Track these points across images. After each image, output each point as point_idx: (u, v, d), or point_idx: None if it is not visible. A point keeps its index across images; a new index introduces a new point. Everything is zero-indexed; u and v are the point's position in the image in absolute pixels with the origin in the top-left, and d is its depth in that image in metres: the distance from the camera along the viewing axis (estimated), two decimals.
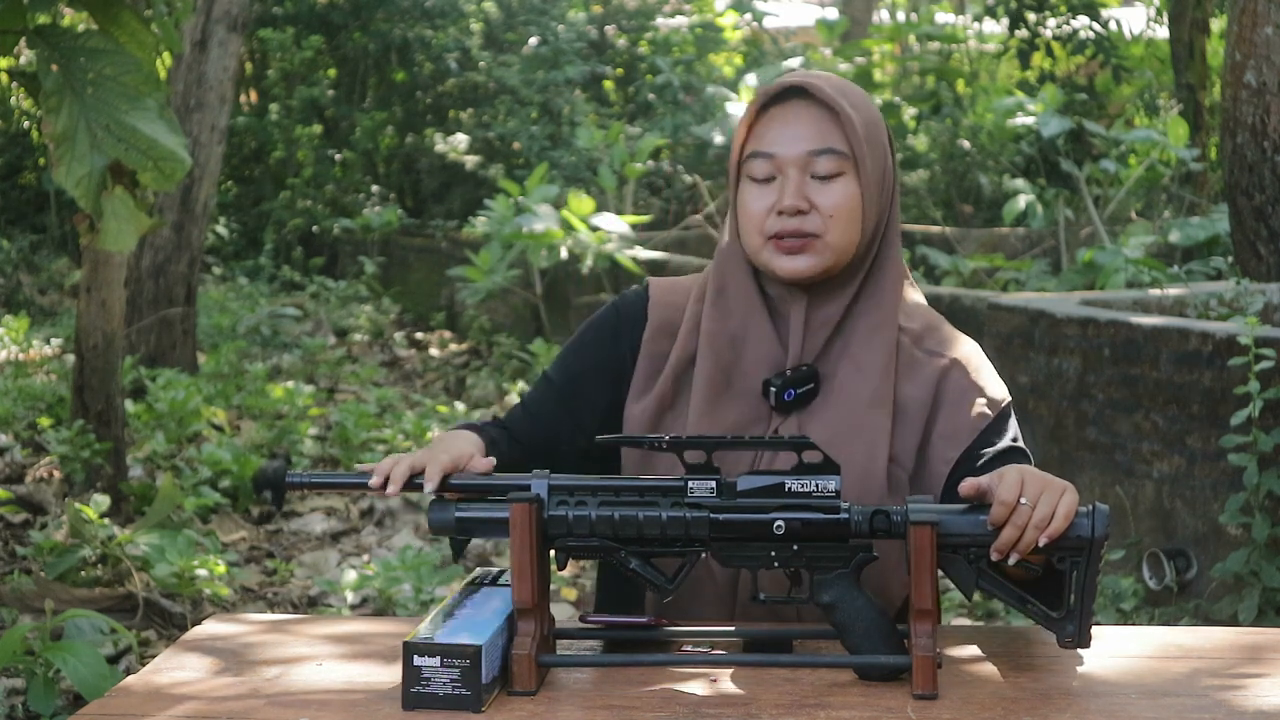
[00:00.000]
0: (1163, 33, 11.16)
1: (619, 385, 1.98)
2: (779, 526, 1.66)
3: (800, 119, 1.89)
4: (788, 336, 1.92)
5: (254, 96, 13.91)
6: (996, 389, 1.95)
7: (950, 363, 1.94)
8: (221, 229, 12.72)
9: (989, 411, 1.91)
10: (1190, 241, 7.67)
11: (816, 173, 1.88)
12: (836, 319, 1.92)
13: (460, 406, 7.53)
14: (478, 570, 1.85)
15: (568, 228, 8.53)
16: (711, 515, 1.66)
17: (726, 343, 1.92)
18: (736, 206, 1.93)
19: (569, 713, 1.58)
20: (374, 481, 1.72)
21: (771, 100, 1.91)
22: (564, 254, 8.54)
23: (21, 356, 8.34)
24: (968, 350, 1.98)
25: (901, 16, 15.28)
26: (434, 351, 9.87)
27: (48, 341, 8.96)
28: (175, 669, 1.74)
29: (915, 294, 2.01)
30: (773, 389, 1.88)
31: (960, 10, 13.45)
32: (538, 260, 8.64)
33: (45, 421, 6.33)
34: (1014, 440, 1.92)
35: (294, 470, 1.75)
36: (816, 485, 1.66)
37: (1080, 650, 1.68)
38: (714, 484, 1.67)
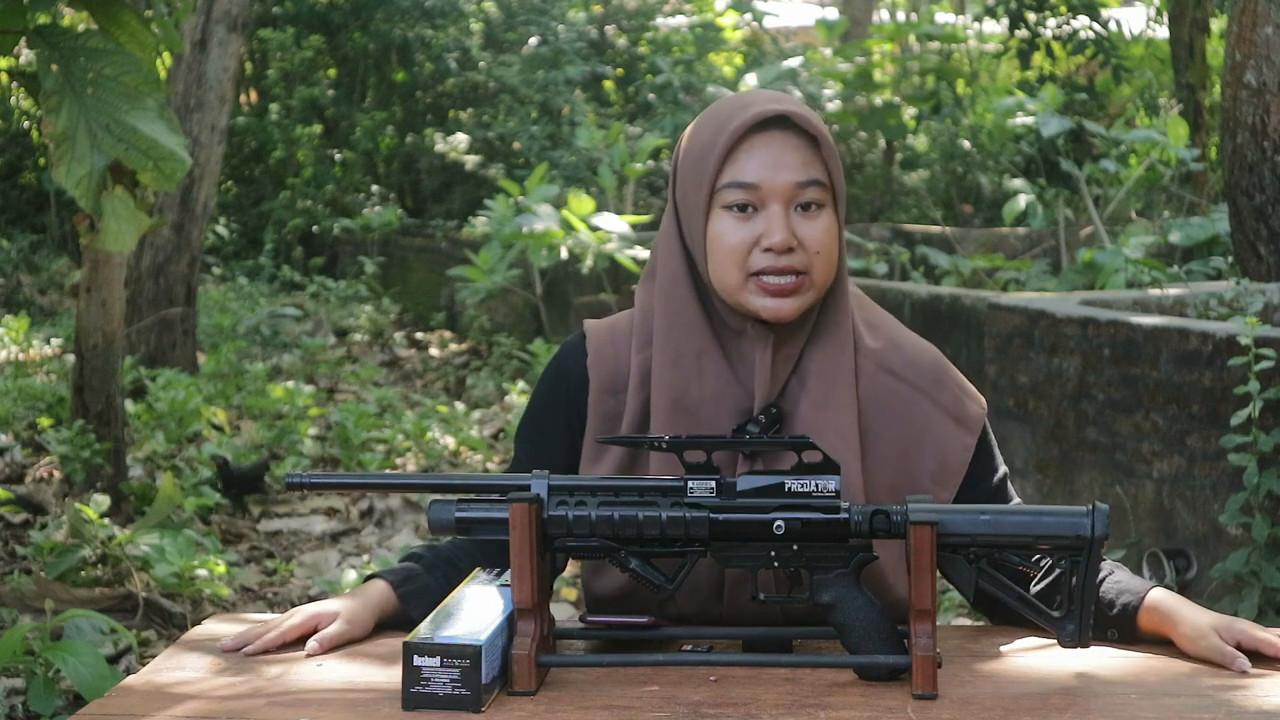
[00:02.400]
0: (1163, 33, 11.15)
1: (580, 430, 1.93)
2: (779, 526, 1.65)
3: (785, 148, 1.81)
4: (747, 376, 1.85)
5: (254, 96, 13.92)
6: (971, 406, 1.92)
7: (918, 392, 1.89)
8: (221, 229, 12.73)
9: (971, 441, 1.90)
10: (1190, 241, 7.66)
11: (801, 203, 1.81)
12: (797, 355, 1.86)
13: (460, 406, 7.53)
14: (478, 570, 1.85)
15: (568, 228, 8.53)
16: (711, 515, 1.66)
17: (682, 391, 1.85)
18: (706, 239, 1.83)
19: (569, 713, 1.58)
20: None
21: (751, 128, 1.82)
22: (564, 254, 8.55)
23: (21, 356, 8.34)
24: (934, 370, 1.92)
25: (901, 16, 15.29)
26: (434, 351, 9.88)
27: (48, 341, 8.96)
28: (175, 669, 1.74)
29: (863, 308, 1.95)
30: (749, 435, 1.80)
31: (960, 10, 13.46)
32: (538, 260, 8.64)
33: (45, 421, 6.33)
34: (999, 464, 1.95)
35: (295, 471, 1.75)
36: (816, 485, 1.66)
37: (1080, 650, 1.68)
38: (714, 484, 1.67)
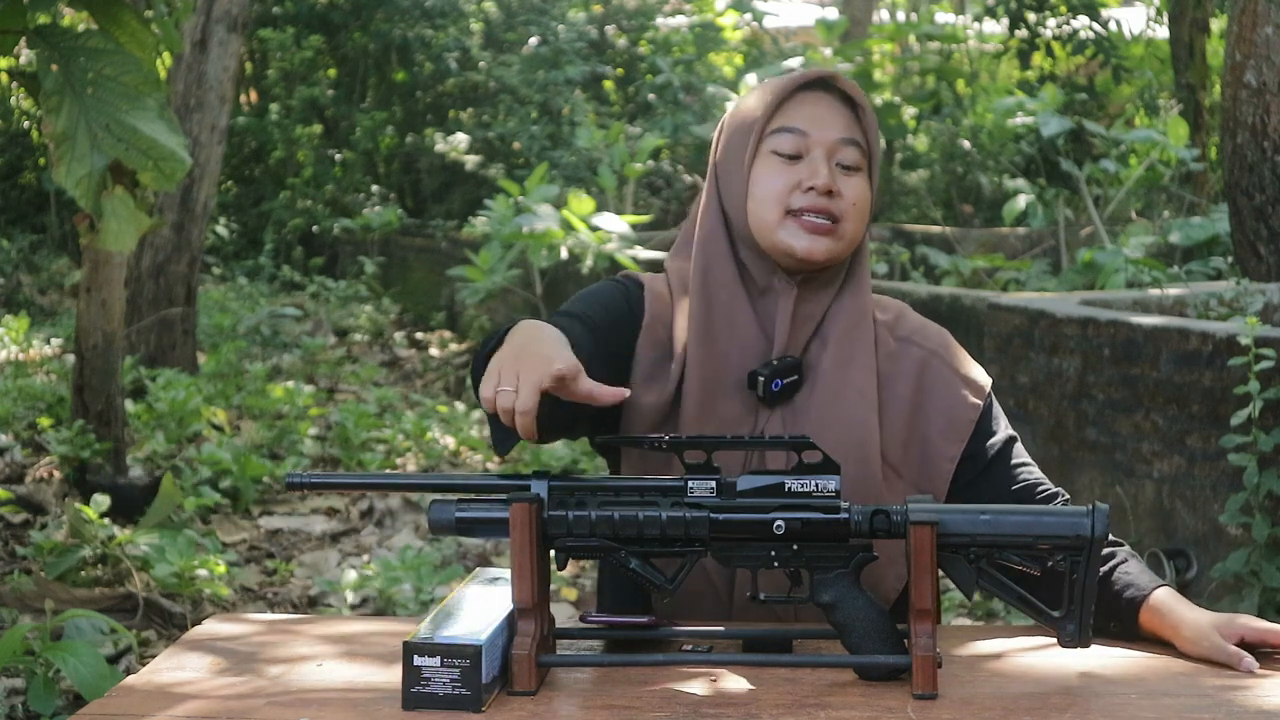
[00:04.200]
0: (1163, 33, 11.16)
1: (623, 349, 1.93)
2: (779, 526, 1.65)
3: (831, 107, 1.93)
4: (772, 327, 1.93)
5: (254, 96, 13.92)
6: (978, 374, 1.99)
7: (928, 353, 1.97)
8: (221, 229, 12.73)
9: (978, 401, 1.95)
10: (1190, 241, 7.66)
11: (841, 162, 1.91)
12: (820, 315, 1.94)
13: (460, 406, 7.53)
14: (478, 570, 1.85)
15: (568, 228, 8.53)
16: (711, 515, 1.66)
17: (714, 335, 1.93)
18: (748, 184, 1.91)
19: (569, 713, 1.58)
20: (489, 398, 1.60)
21: (798, 87, 1.94)
22: (564, 254, 8.55)
23: (21, 356, 8.34)
24: (941, 337, 2.01)
25: (901, 16, 15.29)
26: (434, 351, 9.88)
27: (48, 341, 8.96)
28: (175, 669, 1.74)
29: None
30: (760, 379, 1.89)
31: (960, 10, 13.46)
32: (538, 260, 8.64)
33: (45, 421, 6.33)
34: (1006, 427, 1.98)
35: (295, 471, 1.75)
36: (816, 485, 1.66)
37: (1080, 650, 1.68)
38: (714, 484, 1.67)
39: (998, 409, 1.99)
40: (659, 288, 2.00)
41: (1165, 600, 1.77)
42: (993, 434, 1.95)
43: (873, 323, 1.95)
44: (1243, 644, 1.70)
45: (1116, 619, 1.79)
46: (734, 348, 1.92)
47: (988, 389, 1.98)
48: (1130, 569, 1.83)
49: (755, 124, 1.93)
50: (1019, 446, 1.97)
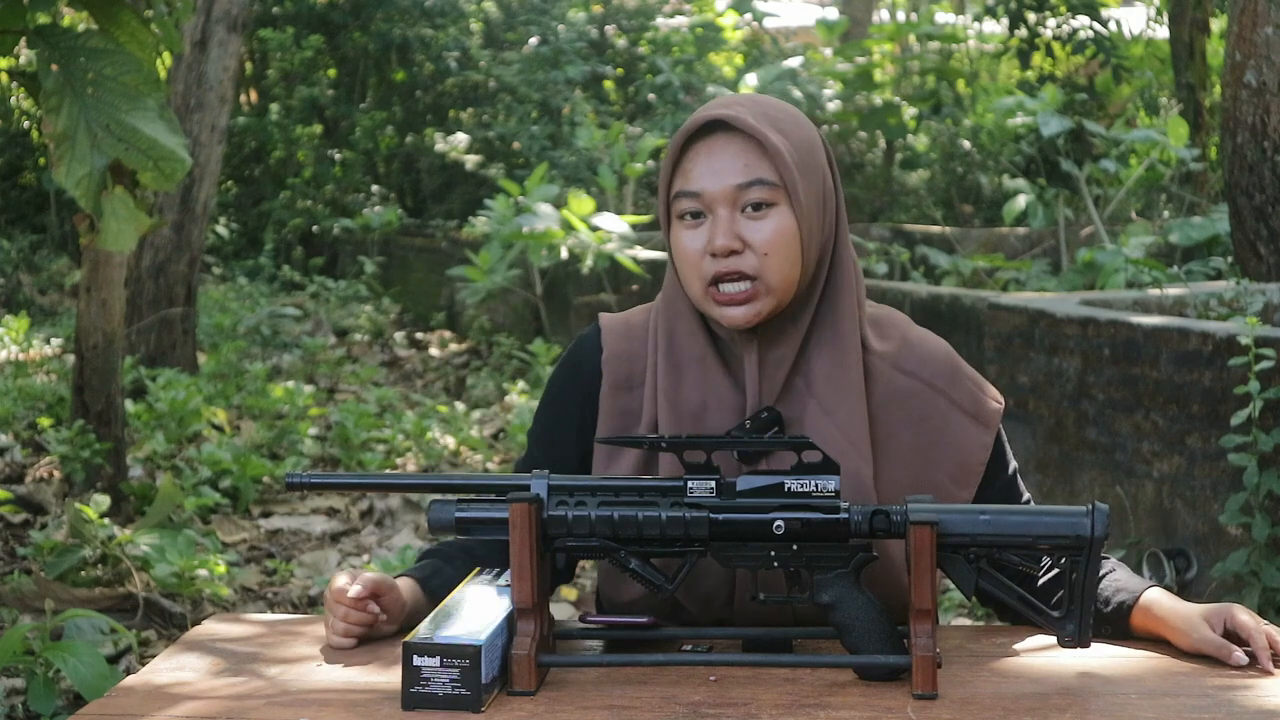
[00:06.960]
0: (1163, 33, 11.16)
1: (588, 424, 1.93)
2: (779, 526, 1.65)
3: (725, 152, 1.80)
4: (743, 379, 1.85)
5: (254, 96, 13.93)
6: (988, 402, 1.90)
7: (935, 391, 1.88)
8: (221, 229, 12.73)
9: (989, 438, 1.89)
10: (1190, 241, 7.66)
11: (748, 203, 1.79)
12: (792, 356, 1.85)
13: (460, 406, 7.53)
14: (478, 570, 1.85)
15: (568, 227, 8.53)
16: (711, 515, 1.66)
17: (685, 403, 1.85)
18: (672, 251, 1.85)
19: (569, 713, 1.58)
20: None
21: (694, 135, 1.82)
22: (564, 254, 8.55)
23: (21, 356, 8.34)
24: (948, 367, 1.90)
25: (901, 16, 15.28)
26: (434, 351, 9.88)
27: (48, 341, 8.96)
28: (175, 669, 1.74)
29: (873, 306, 1.94)
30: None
31: (960, 10, 13.46)
32: (538, 260, 8.64)
33: (45, 421, 6.33)
34: (1011, 460, 1.94)
35: (295, 471, 1.74)
36: (816, 485, 1.66)
37: (1080, 650, 1.68)
38: (713, 484, 1.67)
39: (1004, 439, 1.93)
40: (625, 335, 1.92)
41: (1157, 599, 1.77)
42: (999, 473, 1.91)
43: (861, 358, 1.85)
44: (1226, 634, 1.71)
45: (1109, 624, 1.79)
46: (711, 404, 1.85)
47: (998, 418, 1.91)
48: (1119, 576, 1.83)
49: (662, 189, 1.85)
50: (1020, 482, 1.95)
